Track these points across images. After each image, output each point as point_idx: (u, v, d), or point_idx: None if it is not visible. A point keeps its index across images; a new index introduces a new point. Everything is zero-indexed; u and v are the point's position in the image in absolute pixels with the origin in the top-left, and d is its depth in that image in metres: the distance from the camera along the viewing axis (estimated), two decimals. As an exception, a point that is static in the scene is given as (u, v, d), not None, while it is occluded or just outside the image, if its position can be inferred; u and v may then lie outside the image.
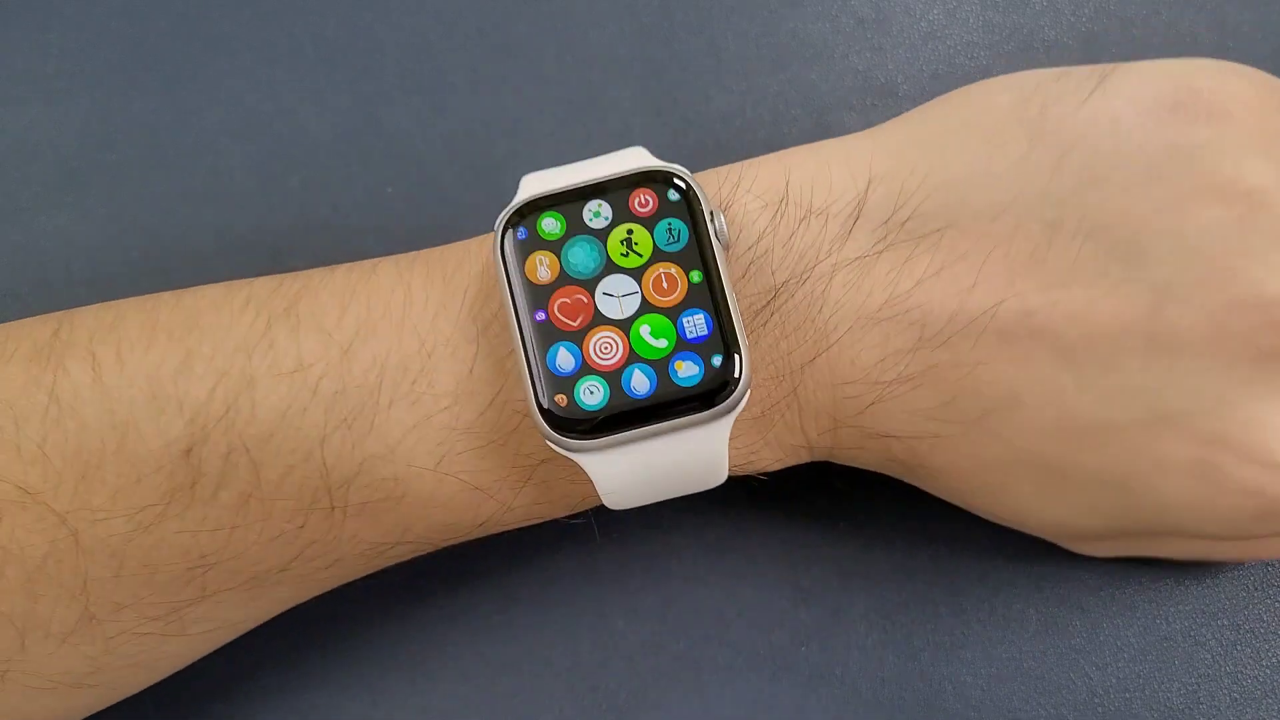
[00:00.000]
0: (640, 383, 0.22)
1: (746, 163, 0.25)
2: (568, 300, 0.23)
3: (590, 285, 0.23)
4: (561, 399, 0.22)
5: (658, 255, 0.23)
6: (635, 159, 0.24)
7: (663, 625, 0.28)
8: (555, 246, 0.23)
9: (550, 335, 0.22)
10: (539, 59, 0.34)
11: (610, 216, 0.23)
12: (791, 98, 0.34)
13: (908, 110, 0.33)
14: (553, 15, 0.35)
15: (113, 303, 0.25)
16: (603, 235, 0.23)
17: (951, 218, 0.23)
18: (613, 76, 0.34)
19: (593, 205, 0.23)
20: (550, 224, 0.23)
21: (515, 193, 0.33)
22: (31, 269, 0.32)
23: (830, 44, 0.34)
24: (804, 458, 0.26)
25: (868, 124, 0.33)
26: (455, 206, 0.33)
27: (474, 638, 0.28)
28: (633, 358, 0.22)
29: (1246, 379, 0.21)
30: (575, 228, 0.23)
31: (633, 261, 0.23)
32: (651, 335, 0.22)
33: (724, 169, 0.25)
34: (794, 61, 0.34)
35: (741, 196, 0.24)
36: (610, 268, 0.23)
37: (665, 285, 0.23)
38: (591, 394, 0.22)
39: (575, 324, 0.22)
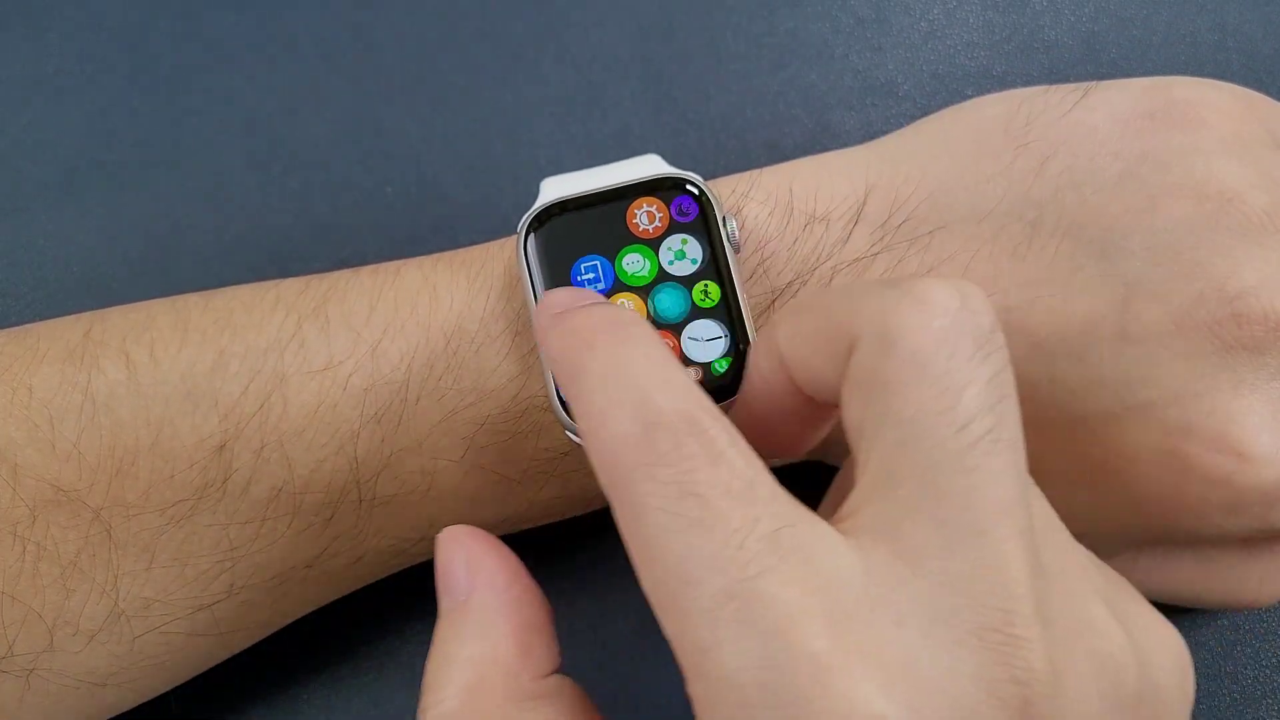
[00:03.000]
0: None
1: (754, 172, 0.26)
2: None
3: None
4: None
5: None
6: (651, 166, 0.25)
7: (662, 625, 0.28)
8: None
9: None
10: (539, 59, 0.34)
11: None
12: (791, 98, 0.34)
13: (907, 110, 0.34)
14: (553, 15, 0.35)
15: (140, 304, 0.25)
16: None
17: (942, 220, 0.24)
18: (613, 76, 0.34)
19: None
20: None
21: (513, 192, 0.33)
22: (31, 269, 0.32)
23: (830, 44, 0.34)
24: (800, 454, 0.26)
25: (867, 124, 0.33)
26: (455, 206, 0.33)
27: (474, 638, 0.28)
28: None
29: (1212, 370, 0.22)
30: None
31: None
32: None
33: (733, 178, 0.26)
34: (794, 61, 0.34)
35: (750, 203, 0.25)
36: None
37: None
38: None
39: None
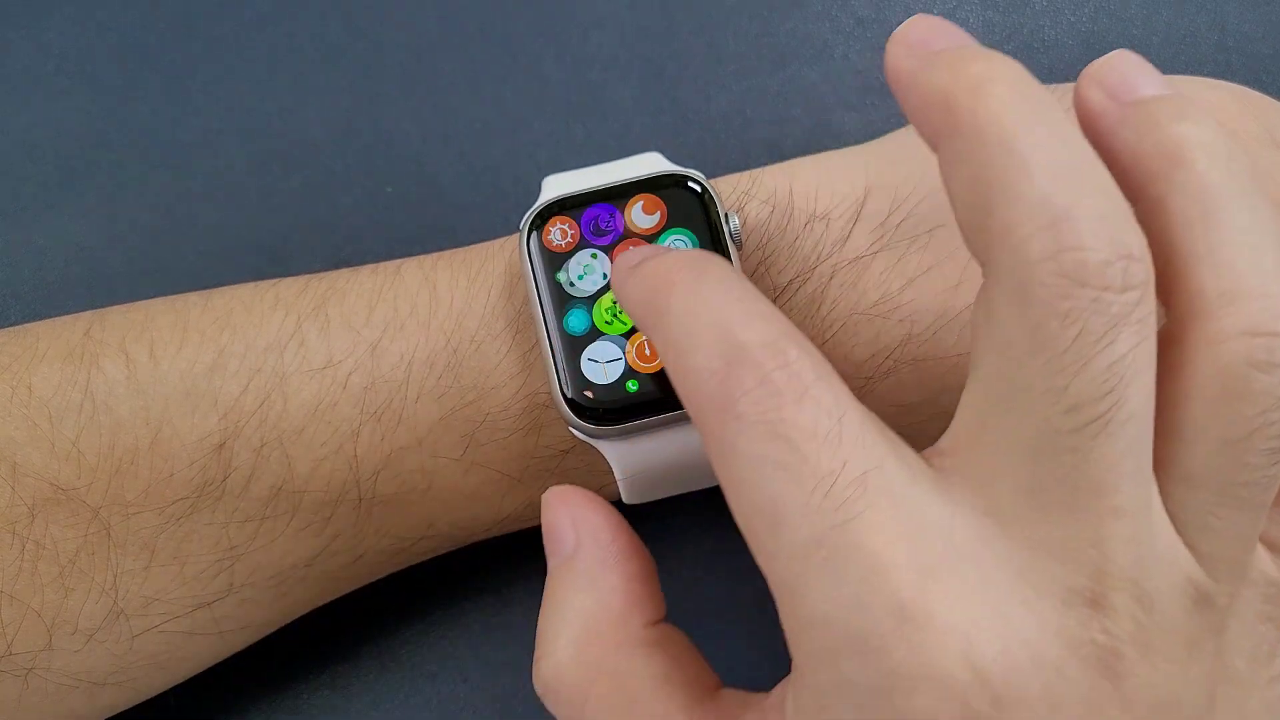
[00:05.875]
0: None
1: (754, 171, 0.26)
2: None
3: None
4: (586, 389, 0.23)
5: None
6: (652, 164, 0.25)
7: (662, 625, 0.28)
8: None
9: None
10: (539, 59, 0.34)
11: None
12: (791, 98, 0.34)
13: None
14: (553, 15, 0.35)
15: (140, 303, 0.25)
16: None
17: (942, 218, 0.24)
18: (613, 76, 0.34)
19: None
20: None
21: (513, 192, 0.33)
22: (31, 269, 0.32)
23: (830, 44, 0.34)
24: None
25: (868, 123, 0.33)
26: (455, 206, 0.33)
27: (473, 639, 0.28)
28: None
29: None
30: None
31: None
32: None
33: (734, 176, 0.26)
34: (794, 61, 0.34)
35: (751, 202, 0.25)
36: None
37: None
38: None
39: None
